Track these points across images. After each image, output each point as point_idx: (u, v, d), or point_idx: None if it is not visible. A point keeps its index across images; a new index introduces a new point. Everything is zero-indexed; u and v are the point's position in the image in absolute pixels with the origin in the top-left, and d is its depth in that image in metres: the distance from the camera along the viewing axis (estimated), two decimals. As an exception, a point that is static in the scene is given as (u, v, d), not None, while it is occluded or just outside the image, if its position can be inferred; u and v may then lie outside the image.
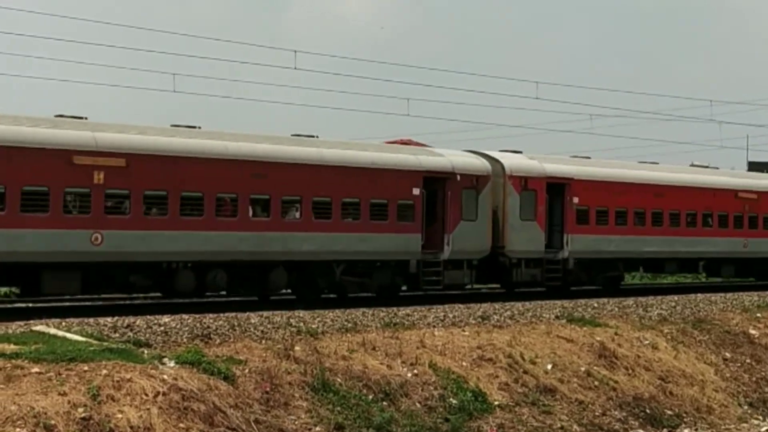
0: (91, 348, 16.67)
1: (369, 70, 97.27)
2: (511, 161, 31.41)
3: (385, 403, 18.02)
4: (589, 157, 35.37)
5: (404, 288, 29.80)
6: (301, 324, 20.97)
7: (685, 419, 21.74)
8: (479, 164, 30.32)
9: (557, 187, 32.11)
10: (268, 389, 16.94)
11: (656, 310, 27.57)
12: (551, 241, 32.01)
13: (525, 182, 31.13)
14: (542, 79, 61.25)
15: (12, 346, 16.45)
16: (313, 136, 27.82)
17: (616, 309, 27.10)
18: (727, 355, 25.47)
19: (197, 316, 20.84)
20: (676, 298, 30.40)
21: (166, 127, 25.42)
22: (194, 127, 25.81)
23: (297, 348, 18.71)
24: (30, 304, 25.14)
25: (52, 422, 13.82)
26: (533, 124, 71.80)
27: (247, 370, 17.29)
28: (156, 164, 23.77)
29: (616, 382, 21.76)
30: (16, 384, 14.59)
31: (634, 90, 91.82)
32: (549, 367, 21.21)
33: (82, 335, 18.18)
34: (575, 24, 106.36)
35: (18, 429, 13.55)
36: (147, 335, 18.93)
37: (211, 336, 19.33)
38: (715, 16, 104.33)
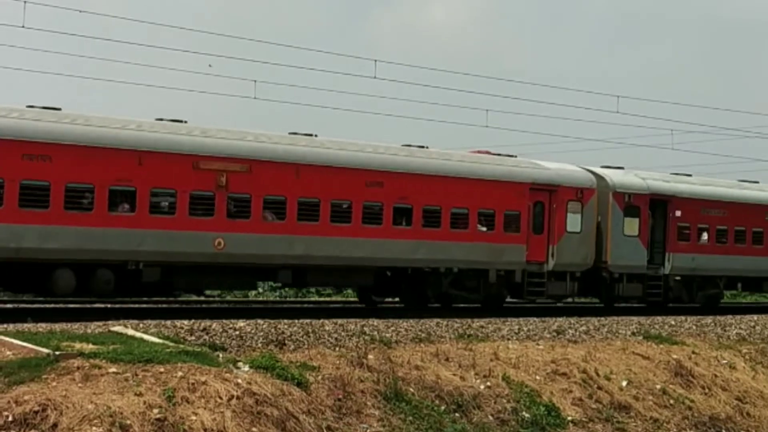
0: (168, 350, 16.83)
1: (448, 81, 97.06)
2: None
3: (457, 414, 17.96)
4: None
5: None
6: (375, 332, 21.00)
7: (762, 441, 21.37)
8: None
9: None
10: (340, 396, 16.97)
11: (735, 330, 27.16)
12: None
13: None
14: (623, 93, 60.65)
15: (90, 346, 16.68)
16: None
17: (694, 327, 26.74)
18: (807, 377, 24.96)
19: (272, 321, 20.96)
20: (755, 317, 29.92)
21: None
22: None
23: (370, 356, 18.72)
24: (108, 305, 25.51)
25: (128, 422, 13.96)
26: (613, 138, 71.06)
27: (320, 377, 17.34)
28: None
29: (692, 401, 21.45)
30: (93, 383, 14.78)
31: (716, 105, 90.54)
32: (624, 383, 20.98)
33: (159, 337, 18.38)
34: (656, 38, 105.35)
35: (94, 428, 13.71)
36: (222, 339, 19.09)
37: (286, 342, 19.44)
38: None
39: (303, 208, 24.85)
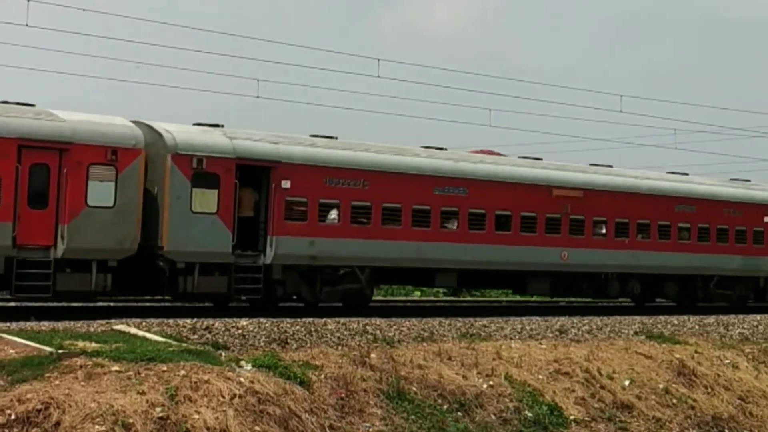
0: (170, 348, 16.86)
1: (451, 80, 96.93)
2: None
3: (459, 413, 17.96)
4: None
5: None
6: (378, 332, 21.01)
7: (764, 441, 21.37)
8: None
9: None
10: (343, 395, 16.98)
11: (737, 329, 27.15)
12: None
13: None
14: (626, 92, 60.58)
15: (93, 345, 16.72)
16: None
17: (697, 327, 26.75)
18: (810, 377, 24.96)
19: (275, 320, 20.97)
20: (758, 317, 29.90)
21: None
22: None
23: (373, 355, 18.72)
24: (111, 304, 25.52)
25: (130, 420, 13.98)
26: (617, 137, 71.03)
27: (322, 376, 17.35)
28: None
29: (694, 400, 21.46)
30: (96, 382, 14.80)
31: (721, 105, 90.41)
32: (626, 383, 20.98)
33: (162, 336, 18.41)
34: (657, 38, 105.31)
35: (97, 426, 13.73)
36: (225, 338, 19.11)
37: (288, 341, 19.45)
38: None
39: None
